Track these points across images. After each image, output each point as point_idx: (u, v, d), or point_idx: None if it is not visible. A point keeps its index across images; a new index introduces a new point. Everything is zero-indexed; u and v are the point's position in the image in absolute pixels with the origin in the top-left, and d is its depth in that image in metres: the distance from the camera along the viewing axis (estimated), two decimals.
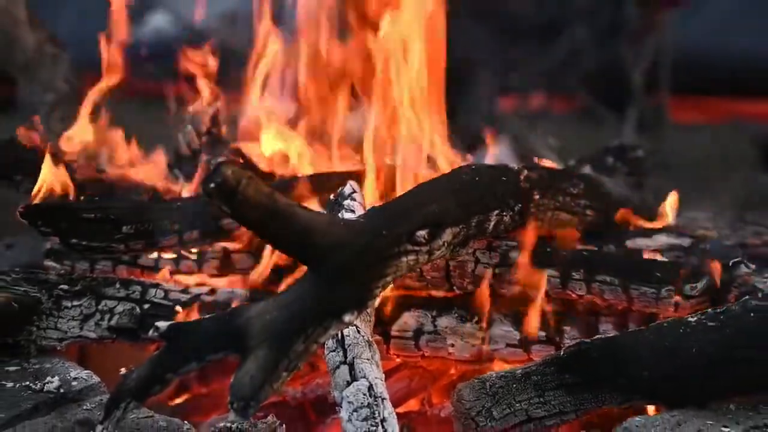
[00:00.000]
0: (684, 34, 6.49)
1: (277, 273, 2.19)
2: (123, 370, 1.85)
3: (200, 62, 2.59)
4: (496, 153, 2.54)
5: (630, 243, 2.23)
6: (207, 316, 1.95)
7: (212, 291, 2.14)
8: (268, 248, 2.18)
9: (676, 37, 6.24)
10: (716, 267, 2.03)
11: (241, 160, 2.40)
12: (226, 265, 2.27)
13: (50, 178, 2.28)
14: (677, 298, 1.97)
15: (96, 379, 1.95)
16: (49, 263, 2.37)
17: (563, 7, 6.17)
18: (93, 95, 2.64)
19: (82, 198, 2.29)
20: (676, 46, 6.15)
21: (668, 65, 6.06)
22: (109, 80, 2.62)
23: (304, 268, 1.66)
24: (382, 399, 1.65)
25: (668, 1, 5.87)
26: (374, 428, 1.60)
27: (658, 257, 2.17)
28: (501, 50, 5.36)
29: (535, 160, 2.47)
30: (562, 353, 1.83)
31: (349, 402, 1.63)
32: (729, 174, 5.00)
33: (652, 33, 5.95)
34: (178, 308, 2.08)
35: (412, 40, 2.37)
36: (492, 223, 1.92)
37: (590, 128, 6.15)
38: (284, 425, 1.89)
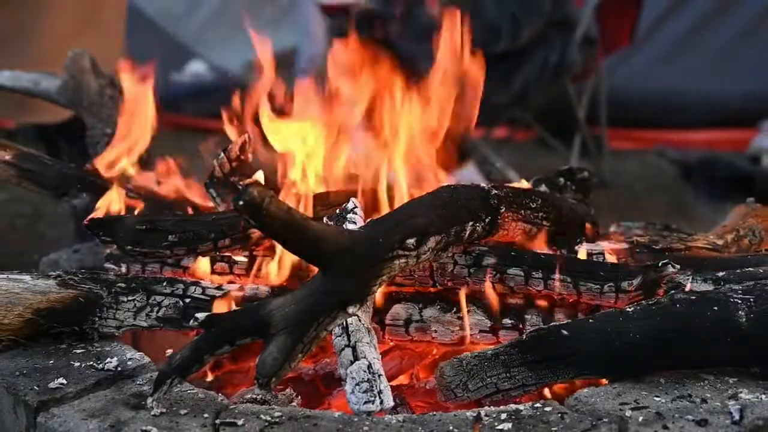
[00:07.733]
0: (617, 77, 6.51)
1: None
2: (169, 352, 1.84)
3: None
4: (468, 174, 2.51)
5: (578, 248, 2.21)
6: (237, 308, 1.95)
7: (241, 288, 2.12)
8: (287, 253, 2.16)
9: (611, 78, 6.25)
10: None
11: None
12: (252, 267, 2.25)
13: (110, 197, 2.28)
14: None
15: (147, 359, 1.93)
16: (108, 265, 2.35)
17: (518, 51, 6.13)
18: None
19: (135, 213, 2.29)
20: (611, 86, 6.16)
21: (605, 102, 6.05)
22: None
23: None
24: (379, 375, 1.65)
25: (607, 49, 5.86)
26: (372, 399, 1.61)
27: (610, 259, 2.16)
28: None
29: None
30: (524, 337, 1.82)
31: (352, 378, 1.64)
32: (655, 190, 5.01)
33: (592, 75, 5.94)
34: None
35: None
36: (467, 233, 1.91)
37: (544, 154, 6.16)
38: (299, 396, 1.88)
